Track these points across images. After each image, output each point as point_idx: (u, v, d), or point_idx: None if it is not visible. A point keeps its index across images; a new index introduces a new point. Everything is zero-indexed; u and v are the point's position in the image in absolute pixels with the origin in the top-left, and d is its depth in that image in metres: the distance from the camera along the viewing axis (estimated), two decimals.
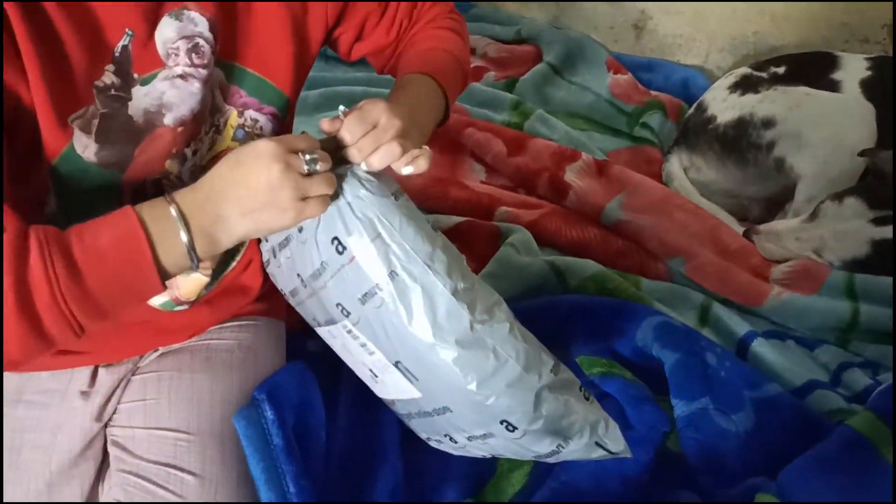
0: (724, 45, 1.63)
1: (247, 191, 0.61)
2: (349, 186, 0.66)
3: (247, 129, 0.76)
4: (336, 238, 0.66)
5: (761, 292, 1.05)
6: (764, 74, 1.29)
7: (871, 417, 0.81)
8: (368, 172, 0.67)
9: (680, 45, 1.70)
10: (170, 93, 0.68)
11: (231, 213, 0.61)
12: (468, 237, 1.17)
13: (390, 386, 0.73)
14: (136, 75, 0.66)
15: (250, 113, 0.76)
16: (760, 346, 0.99)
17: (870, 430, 0.79)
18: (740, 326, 1.02)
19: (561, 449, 0.71)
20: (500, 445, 0.72)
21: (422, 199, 1.27)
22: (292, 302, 0.80)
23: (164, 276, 0.61)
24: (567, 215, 1.22)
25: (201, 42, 0.68)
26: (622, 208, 1.19)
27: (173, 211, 0.60)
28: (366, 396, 0.82)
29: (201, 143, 0.73)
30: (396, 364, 0.69)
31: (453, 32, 0.86)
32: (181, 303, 0.79)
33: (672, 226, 1.15)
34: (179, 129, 0.69)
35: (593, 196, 1.22)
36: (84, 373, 0.80)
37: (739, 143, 1.23)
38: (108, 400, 0.79)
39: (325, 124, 0.68)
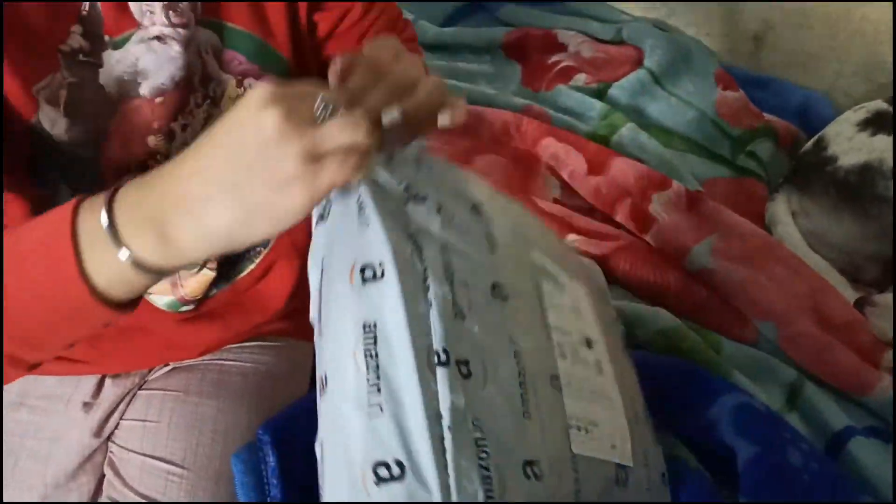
0: (857, 68, 1.42)
1: (226, 154, 0.41)
2: None
3: None
4: None
5: (869, 380, 0.89)
6: None
7: None
8: None
9: (804, 63, 1.49)
10: (146, 58, 0.58)
11: (198, 193, 0.42)
12: None
13: None
14: (107, 38, 0.57)
15: (250, 82, 0.64)
16: (859, 447, 0.83)
17: None
18: (837, 418, 0.86)
19: None
20: None
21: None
22: None
23: (109, 287, 0.44)
24: (646, 252, 1.07)
25: None
26: (712, 254, 1.04)
27: (103, 218, 0.43)
28: None
29: (193, 118, 0.62)
30: None
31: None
32: (187, 302, 0.72)
33: (768, 282, 0.99)
34: (158, 99, 0.60)
35: (680, 234, 1.07)
36: (90, 382, 0.76)
37: (862, 192, 1.05)
38: (111, 414, 0.76)
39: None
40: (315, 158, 0.41)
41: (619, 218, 1.15)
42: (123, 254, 0.43)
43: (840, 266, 1.07)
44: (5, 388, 0.64)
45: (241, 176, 0.41)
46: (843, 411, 0.87)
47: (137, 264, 0.43)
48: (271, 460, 0.71)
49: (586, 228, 1.12)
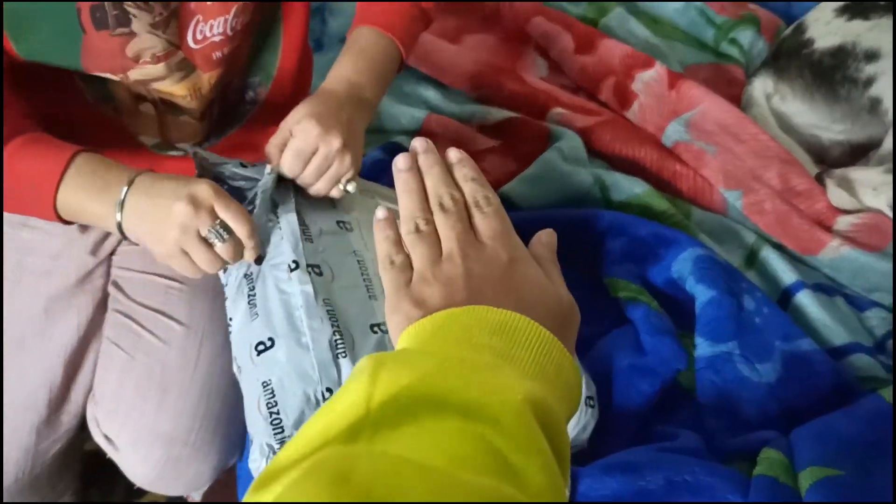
0: None
1: (154, 201, 0.62)
2: None
3: None
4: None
5: (819, 241, 0.96)
6: None
7: None
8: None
9: None
10: None
11: (133, 208, 0.63)
12: (516, 134, 1.10)
13: None
14: None
15: None
16: (805, 298, 0.91)
17: None
18: (788, 275, 0.94)
19: None
20: None
21: (474, 87, 1.19)
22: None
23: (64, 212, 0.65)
24: (626, 127, 1.12)
25: None
26: (688, 128, 1.09)
27: (123, 191, 0.63)
28: None
29: None
30: None
31: None
32: (172, 146, 0.77)
33: (737, 155, 1.05)
34: None
35: (658, 110, 1.12)
36: None
37: (834, 74, 1.09)
38: (106, 236, 0.79)
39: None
40: (180, 249, 0.63)
41: (602, 96, 1.19)
42: (117, 216, 0.63)
43: (807, 146, 1.13)
44: (9, 212, 0.74)
45: (145, 217, 0.63)
46: (795, 270, 0.94)
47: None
48: None
49: (570, 103, 1.16)
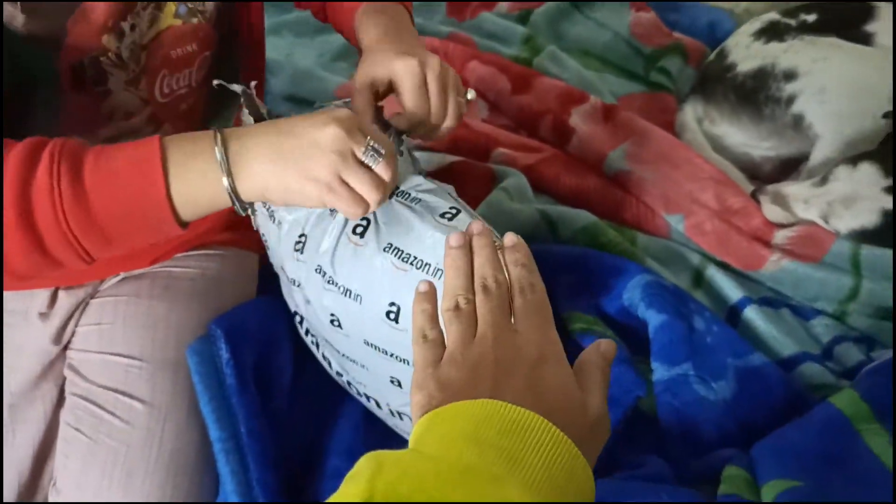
0: None
1: (288, 138, 0.55)
2: None
3: (189, 5, 0.70)
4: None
5: (760, 256, 1.00)
6: (792, 21, 1.20)
7: (853, 396, 0.77)
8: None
9: None
10: None
11: (259, 154, 0.55)
12: (461, 178, 1.13)
13: None
14: None
15: None
16: (752, 313, 0.95)
17: (851, 409, 0.75)
18: (734, 292, 0.97)
19: None
20: None
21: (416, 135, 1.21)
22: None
23: (182, 210, 0.56)
24: (568, 162, 1.16)
25: None
26: (626, 158, 1.13)
27: (217, 153, 0.55)
28: None
29: (139, 18, 0.67)
30: None
31: None
32: None
33: (676, 180, 1.09)
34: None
35: (597, 142, 1.16)
36: (44, 294, 0.79)
37: (757, 95, 1.15)
38: (67, 322, 0.79)
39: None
40: (339, 179, 0.55)
41: (542, 133, 1.23)
42: (225, 181, 0.55)
43: (741, 165, 1.18)
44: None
45: (289, 156, 0.55)
46: (740, 286, 0.98)
47: (230, 190, 0.55)
48: (224, 353, 0.76)
49: (512, 143, 1.19)
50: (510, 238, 0.50)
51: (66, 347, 0.79)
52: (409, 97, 0.66)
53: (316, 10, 0.88)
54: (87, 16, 0.62)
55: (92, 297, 0.79)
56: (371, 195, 0.56)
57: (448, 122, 0.69)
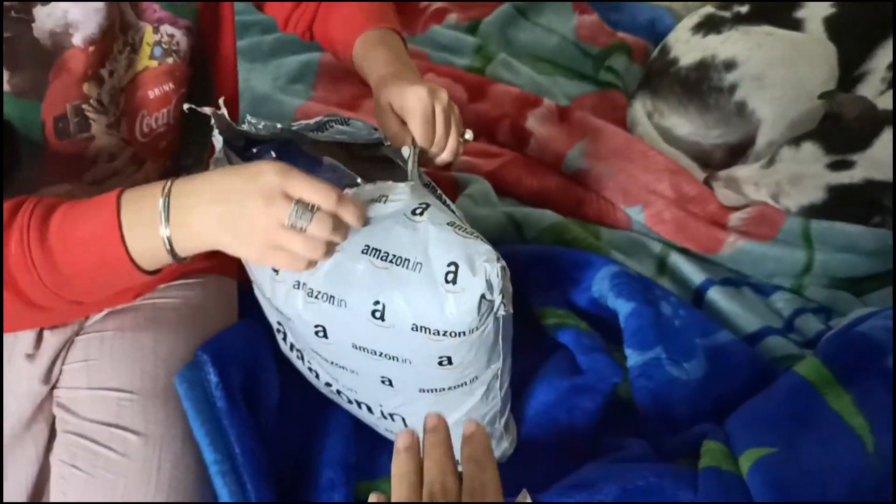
0: None
1: (221, 205, 0.56)
2: None
3: (163, 45, 0.72)
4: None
5: (718, 240, 1.05)
6: (727, 14, 1.26)
7: (816, 363, 0.81)
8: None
9: None
10: (73, 11, 0.64)
11: (196, 214, 0.57)
12: None
13: None
14: None
15: (165, 28, 0.72)
16: (715, 294, 0.99)
17: (814, 375, 0.80)
18: (696, 275, 1.02)
19: None
20: None
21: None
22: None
23: (144, 263, 0.58)
24: (528, 164, 1.20)
25: None
26: (584, 156, 1.17)
27: (160, 204, 0.56)
28: None
29: (117, 63, 0.69)
30: None
31: None
32: None
33: (632, 173, 1.13)
34: (91, 48, 0.66)
35: (554, 143, 1.20)
36: (28, 336, 0.79)
37: (701, 86, 1.20)
38: (54, 362, 0.79)
39: None
40: (274, 246, 0.57)
41: (500, 138, 1.27)
42: (164, 231, 0.56)
43: (692, 154, 1.23)
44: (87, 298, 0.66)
45: (230, 207, 0.56)
46: (702, 269, 1.03)
47: (169, 241, 0.57)
48: (213, 377, 0.77)
49: (473, 150, 1.23)
50: (469, 427, 0.48)
51: (53, 387, 0.79)
52: (418, 126, 0.69)
53: (302, 31, 0.91)
54: (68, 66, 0.64)
55: (77, 334, 0.80)
56: (308, 254, 0.58)
57: (445, 156, 0.73)
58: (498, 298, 0.62)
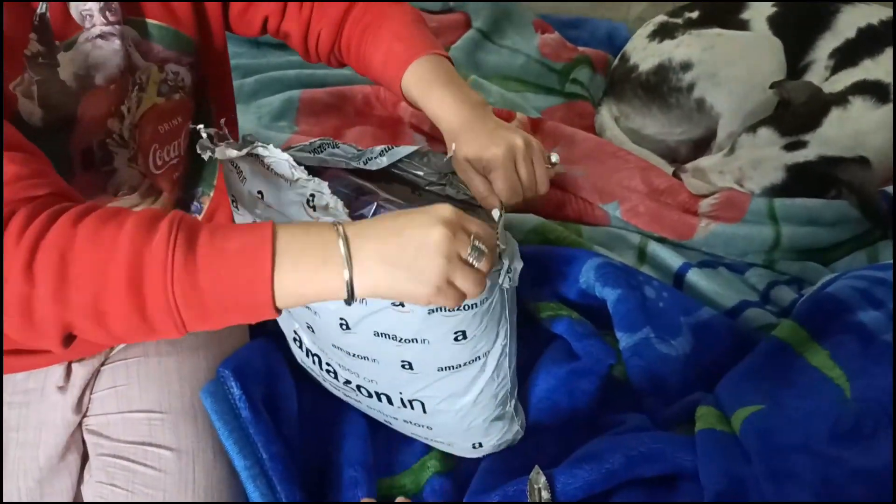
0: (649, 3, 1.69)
1: (398, 239, 0.56)
2: None
3: (169, 83, 0.78)
4: None
5: (691, 226, 1.12)
6: (679, 20, 1.35)
7: (791, 325, 0.88)
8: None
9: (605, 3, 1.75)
10: (94, 53, 0.70)
11: (372, 255, 0.56)
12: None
13: None
14: (57, 42, 0.68)
15: (171, 66, 0.78)
16: (694, 276, 1.06)
17: (790, 336, 0.86)
18: (675, 260, 1.09)
19: None
20: None
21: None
22: None
23: (282, 299, 0.56)
24: None
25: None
26: (558, 161, 1.24)
27: (341, 245, 0.55)
28: None
29: (131, 101, 0.75)
30: None
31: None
32: None
33: (605, 173, 1.21)
34: (112, 86, 0.72)
35: None
36: (58, 370, 0.83)
37: (661, 88, 1.29)
38: (84, 391, 0.83)
39: None
40: (447, 282, 0.57)
41: None
42: (346, 274, 0.55)
43: (659, 152, 1.31)
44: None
45: (398, 261, 0.56)
46: (679, 255, 1.09)
47: (348, 284, 0.56)
48: (235, 389, 0.82)
49: None
50: None
51: (83, 416, 0.83)
52: (503, 187, 0.73)
53: (326, 58, 0.89)
54: (93, 103, 0.70)
55: (103, 364, 0.84)
56: (474, 291, 0.58)
57: (540, 190, 0.77)
58: (506, 263, 0.67)
